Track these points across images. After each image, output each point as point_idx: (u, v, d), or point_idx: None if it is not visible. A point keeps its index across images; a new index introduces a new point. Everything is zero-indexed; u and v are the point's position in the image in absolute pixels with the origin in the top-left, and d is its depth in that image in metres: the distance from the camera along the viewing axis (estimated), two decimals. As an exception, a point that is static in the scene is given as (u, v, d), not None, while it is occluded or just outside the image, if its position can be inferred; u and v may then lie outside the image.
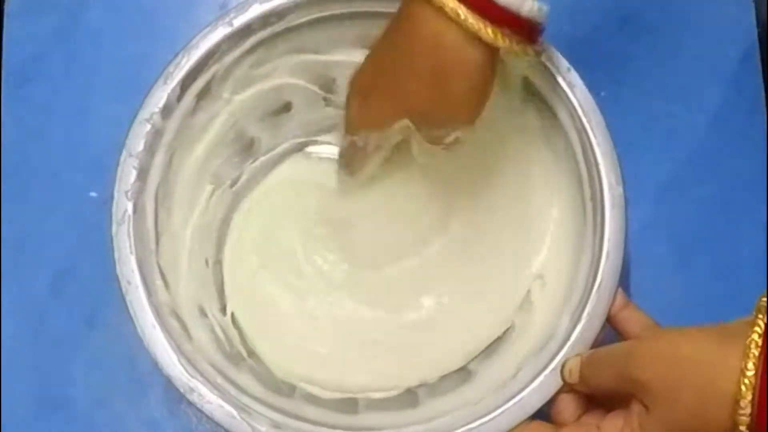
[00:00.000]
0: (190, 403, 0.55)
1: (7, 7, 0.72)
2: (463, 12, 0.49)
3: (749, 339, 0.44)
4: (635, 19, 0.72)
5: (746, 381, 0.43)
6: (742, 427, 0.43)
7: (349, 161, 0.64)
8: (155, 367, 0.56)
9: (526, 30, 0.52)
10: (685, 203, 0.68)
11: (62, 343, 0.66)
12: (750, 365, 0.43)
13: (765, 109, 0.70)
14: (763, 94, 0.70)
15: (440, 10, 0.49)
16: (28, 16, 0.71)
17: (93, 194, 0.68)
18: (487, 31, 0.50)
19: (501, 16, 0.50)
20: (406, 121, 0.57)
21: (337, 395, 0.62)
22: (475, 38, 0.50)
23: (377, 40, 0.57)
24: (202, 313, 0.62)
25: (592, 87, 0.60)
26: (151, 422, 0.65)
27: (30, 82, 0.70)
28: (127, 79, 0.70)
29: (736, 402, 0.43)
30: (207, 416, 0.55)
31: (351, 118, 0.60)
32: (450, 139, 0.58)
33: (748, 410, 0.43)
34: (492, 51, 0.52)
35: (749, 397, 0.43)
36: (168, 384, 0.62)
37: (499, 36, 0.50)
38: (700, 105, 0.70)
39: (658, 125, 0.70)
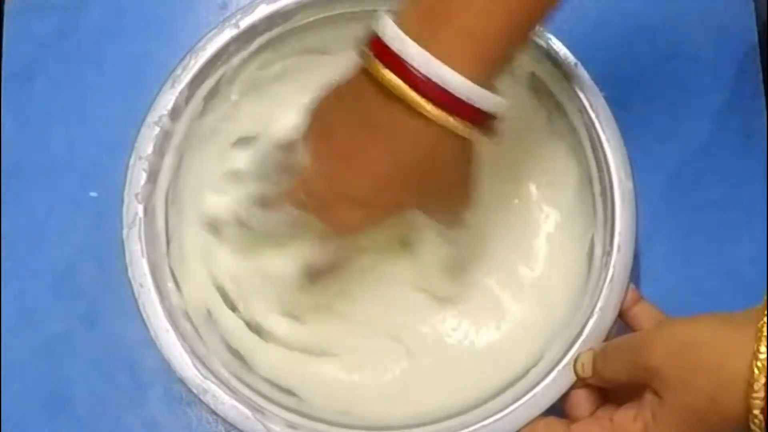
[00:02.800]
0: (203, 404, 0.56)
1: (7, 7, 0.71)
2: (434, 110, 0.48)
3: (761, 322, 0.45)
4: (635, 19, 0.73)
5: (759, 364, 0.44)
6: (756, 411, 0.44)
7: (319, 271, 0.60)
8: (166, 368, 0.56)
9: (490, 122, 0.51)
10: (685, 203, 0.69)
11: (62, 343, 0.65)
12: (762, 348, 0.44)
13: (765, 109, 0.70)
14: (763, 93, 0.71)
15: (410, 109, 0.48)
16: (28, 16, 0.71)
17: (93, 194, 0.68)
18: (458, 125, 0.49)
19: (471, 113, 0.49)
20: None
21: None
22: (450, 133, 0.49)
23: (329, 132, 0.53)
24: (211, 314, 0.62)
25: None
26: (151, 422, 0.64)
27: (30, 82, 0.70)
28: (127, 78, 0.70)
29: (750, 385, 0.44)
30: (221, 418, 0.55)
31: (342, 227, 0.55)
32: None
33: (762, 393, 0.43)
34: (466, 141, 0.51)
35: (762, 380, 0.43)
36: (168, 384, 0.63)
37: (470, 131, 0.49)
38: (699, 104, 0.71)
39: (658, 125, 0.70)
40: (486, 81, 0.49)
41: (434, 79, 0.47)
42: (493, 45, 0.49)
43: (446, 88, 0.47)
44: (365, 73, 0.49)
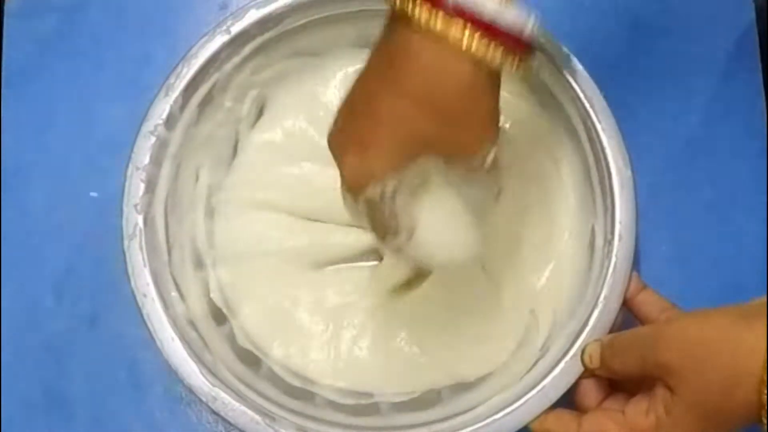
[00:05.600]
0: (203, 404, 0.56)
1: (7, 7, 0.71)
2: (467, 38, 0.46)
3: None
4: (634, 17, 0.72)
5: None
6: None
7: (381, 226, 0.52)
8: (166, 368, 0.56)
9: (524, 49, 0.48)
10: (685, 202, 0.69)
11: (62, 343, 0.65)
12: None
13: (765, 109, 0.70)
14: (762, 91, 0.70)
15: (443, 40, 0.46)
16: (28, 16, 0.71)
17: (93, 194, 0.68)
18: (482, 49, 0.46)
19: (505, 39, 0.46)
20: (422, 160, 0.50)
21: (357, 401, 0.62)
22: (470, 57, 0.46)
23: (350, 90, 0.50)
24: (218, 320, 0.62)
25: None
26: (151, 422, 0.65)
27: (30, 82, 0.70)
28: (126, 78, 0.70)
29: (762, 382, 0.44)
30: (231, 423, 0.56)
31: (353, 177, 0.50)
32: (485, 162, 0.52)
33: None
34: (489, 69, 0.48)
35: None
36: (168, 384, 0.63)
37: (498, 54, 0.47)
38: (698, 103, 0.71)
39: (657, 124, 0.70)
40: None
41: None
42: None
43: (466, 4, 0.45)
44: (394, 15, 0.47)
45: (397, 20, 0.47)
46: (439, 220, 0.53)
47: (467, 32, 0.45)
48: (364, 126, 0.49)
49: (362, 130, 0.49)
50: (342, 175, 0.50)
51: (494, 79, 0.48)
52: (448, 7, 0.45)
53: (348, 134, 0.50)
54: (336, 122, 0.51)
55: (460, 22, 0.45)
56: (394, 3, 0.47)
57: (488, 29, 0.46)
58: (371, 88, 0.49)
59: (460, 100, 0.48)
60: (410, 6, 0.45)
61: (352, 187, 0.50)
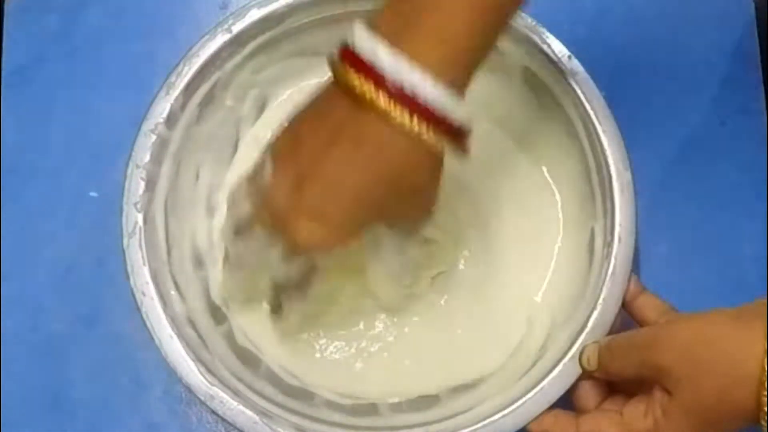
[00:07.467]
0: (204, 404, 0.56)
1: (7, 7, 0.71)
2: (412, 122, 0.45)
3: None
4: (634, 18, 0.72)
5: None
6: (767, 408, 0.44)
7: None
8: (166, 368, 0.56)
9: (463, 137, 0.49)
10: (685, 203, 0.69)
11: (62, 343, 0.65)
12: None
13: (765, 109, 0.70)
14: (762, 91, 0.70)
15: (386, 117, 0.45)
16: (28, 16, 0.71)
17: (93, 194, 0.68)
18: (431, 136, 0.46)
19: (443, 125, 0.46)
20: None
21: (356, 401, 0.62)
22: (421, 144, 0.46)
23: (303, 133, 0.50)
24: (217, 319, 0.62)
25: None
26: (151, 422, 0.64)
27: (30, 82, 0.70)
28: (127, 78, 0.70)
29: (761, 383, 0.44)
30: (229, 423, 0.55)
31: (308, 241, 0.50)
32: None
33: None
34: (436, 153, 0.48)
35: None
36: (168, 384, 0.63)
37: (441, 142, 0.47)
38: (698, 102, 0.71)
39: (657, 125, 0.70)
40: (456, 86, 0.46)
41: (405, 84, 0.44)
42: (463, 43, 0.46)
43: (415, 91, 0.45)
44: (337, 82, 0.47)
45: (340, 88, 0.47)
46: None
47: (413, 119, 0.45)
48: (323, 194, 0.48)
49: (320, 198, 0.48)
50: (291, 238, 0.50)
51: (441, 157, 0.49)
52: (390, 90, 0.45)
53: (303, 199, 0.49)
54: (280, 185, 0.49)
55: (405, 108, 0.45)
56: (337, 72, 0.47)
57: (430, 118, 0.45)
58: (326, 157, 0.48)
59: (416, 177, 0.49)
60: (355, 80, 0.45)
61: (302, 249, 0.52)
